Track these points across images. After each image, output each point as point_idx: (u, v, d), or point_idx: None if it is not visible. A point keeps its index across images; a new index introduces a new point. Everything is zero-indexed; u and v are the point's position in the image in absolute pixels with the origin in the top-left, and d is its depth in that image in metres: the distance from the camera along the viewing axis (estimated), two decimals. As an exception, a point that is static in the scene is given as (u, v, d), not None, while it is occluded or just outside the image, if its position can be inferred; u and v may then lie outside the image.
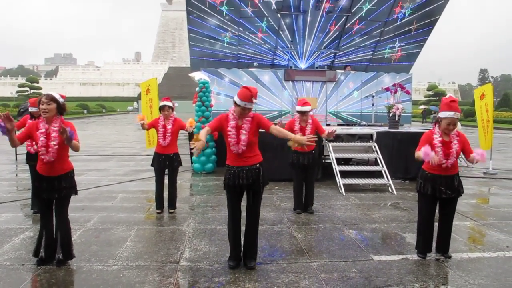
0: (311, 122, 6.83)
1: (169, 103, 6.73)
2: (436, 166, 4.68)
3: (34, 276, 4.29)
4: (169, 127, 6.62)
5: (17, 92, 72.81)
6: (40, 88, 74.73)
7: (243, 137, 4.42)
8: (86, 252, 4.97)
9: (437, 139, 4.70)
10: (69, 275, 4.35)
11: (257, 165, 4.52)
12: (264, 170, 4.57)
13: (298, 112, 6.84)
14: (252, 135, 4.46)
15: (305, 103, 6.79)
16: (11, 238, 5.44)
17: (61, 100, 4.45)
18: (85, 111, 62.62)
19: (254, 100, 4.36)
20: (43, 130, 4.35)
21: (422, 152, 4.48)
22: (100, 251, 5.01)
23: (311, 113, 6.92)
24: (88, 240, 5.41)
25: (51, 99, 4.37)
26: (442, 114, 4.64)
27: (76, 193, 4.64)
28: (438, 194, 4.74)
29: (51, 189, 4.43)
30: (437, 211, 4.96)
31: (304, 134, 6.62)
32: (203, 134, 4.23)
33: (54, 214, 4.59)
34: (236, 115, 4.47)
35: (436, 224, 4.99)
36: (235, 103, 4.43)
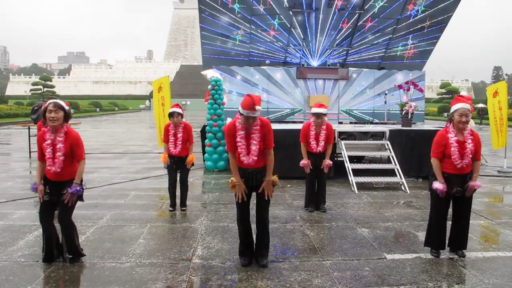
0: (325, 128, 6.74)
1: (179, 110, 6.68)
2: (450, 166, 4.66)
3: (48, 273, 4.33)
4: (179, 135, 6.63)
5: (31, 90, 73.61)
6: (53, 86, 75.54)
7: (253, 147, 4.38)
8: (99, 249, 5.01)
9: (452, 138, 4.66)
10: (82, 272, 4.39)
11: (265, 166, 4.51)
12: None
13: (313, 114, 6.73)
14: (261, 144, 4.41)
15: (321, 105, 6.74)
16: (25, 235, 5.50)
17: (67, 108, 4.43)
18: (98, 109, 63.12)
19: (257, 108, 4.17)
20: (49, 141, 4.35)
21: (435, 186, 4.71)
22: (113, 248, 5.04)
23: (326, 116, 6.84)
24: (101, 237, 5.44)
25: (59, 107, 4.33)
26: (453, 108, 4.71)
27: (82, 200, 4.59)
28: (451, 193, 4.70)
29: (55, 193, 4.43)
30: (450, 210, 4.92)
31: (318, 141, 6.65)
32: (235, 173, 4.54)
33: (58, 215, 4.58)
34: (243, 123, 4.36)
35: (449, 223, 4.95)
36: (239, 112, 4.32)
